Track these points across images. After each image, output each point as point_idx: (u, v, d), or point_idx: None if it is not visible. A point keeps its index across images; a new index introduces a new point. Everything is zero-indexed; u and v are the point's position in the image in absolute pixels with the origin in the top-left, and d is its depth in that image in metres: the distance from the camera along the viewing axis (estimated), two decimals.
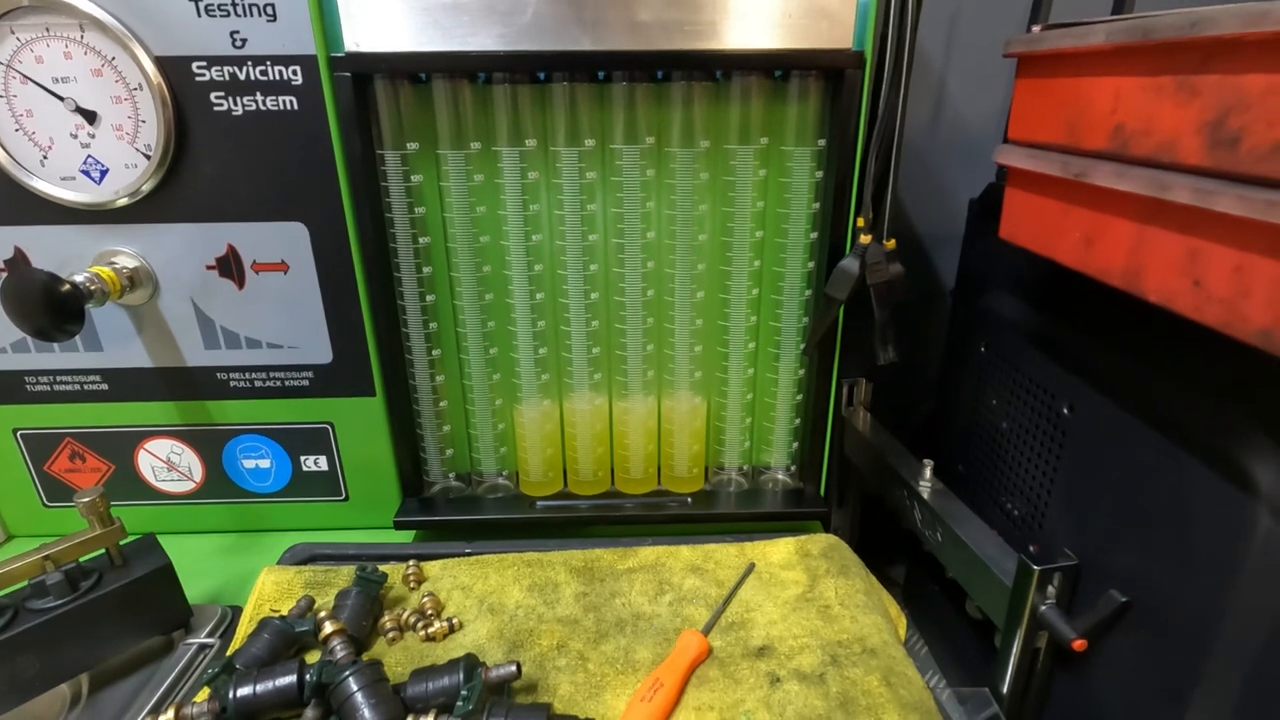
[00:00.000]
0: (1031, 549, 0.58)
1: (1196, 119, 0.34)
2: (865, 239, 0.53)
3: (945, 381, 0.78)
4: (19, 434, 0.62)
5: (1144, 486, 0.46)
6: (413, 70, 0.52)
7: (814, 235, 0.58)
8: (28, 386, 0.60)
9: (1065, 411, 0.54)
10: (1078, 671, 0.53)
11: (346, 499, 0.66)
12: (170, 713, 0.42)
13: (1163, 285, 0.37)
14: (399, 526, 0.64)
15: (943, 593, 0.75)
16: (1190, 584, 0.43)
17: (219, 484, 0.65)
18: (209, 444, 0.63)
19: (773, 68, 0.53)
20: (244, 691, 0.42)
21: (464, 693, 0.42)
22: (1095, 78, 0.41)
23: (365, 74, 0.52)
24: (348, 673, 0.42)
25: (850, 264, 0.53)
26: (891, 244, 0.54)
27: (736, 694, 0.45)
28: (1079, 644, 0.49)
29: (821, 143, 0.55)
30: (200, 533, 0.66)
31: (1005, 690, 0.55)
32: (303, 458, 0.64)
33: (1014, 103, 0.49)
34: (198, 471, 0.64)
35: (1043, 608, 0.52)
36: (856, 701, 0.44)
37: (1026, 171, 0.48)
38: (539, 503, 0.66)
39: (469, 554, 0.59)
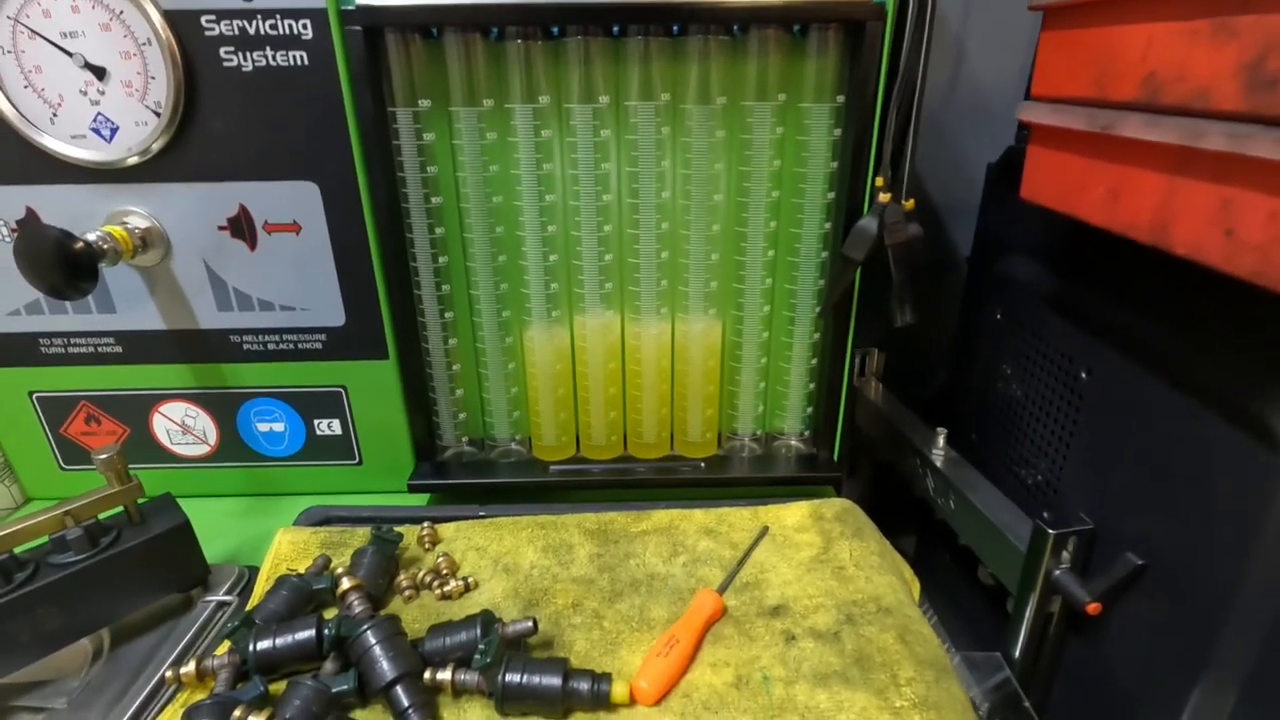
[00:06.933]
0: (1045, 515, 0.58)
1: (1234, 61, 0.33)
2: (884, 198, 0.52)
3: (959, 351, 0.77)
4: (34, 396, 0.62)
5: (1164, 449, 0.46)
6: (424, 23, 0.52)
7: (831, 195, 0.58)
8: (42, 349, 0.60)
9: (1083, 376, 0.54)
10: (1090, 637, 0.53)
11: (360, 463, 0.66)
12: (191, 665, 0.43)
13: (1192, 237, 0.36)
14: (413, 489, 0.64)
15: (954, 562, 0.75)
16: (1210, 547, 0.43)
17: (233, 447, 0.65)
18: (223, 407, 0.63)
19: (792, 21, 0.51)
20: (264, 645, 0.43)
21: (481, 646, 0.42)
22: (1126, 25, 0.40)
23: (376, 27, 0.51)
24: (366, 627, 0.42)
25: (868, 224, 0.53)
26: (910, 204, 0.53)
27: (752, 650, 0.46)
28: (1093, 607, 0.49)
29: (840, 99, 0.54)
30: (215, 496, 0.66)
31: (1017, 655, 0.56)
32: (316, 421, 0.64)
33: (1038, 57, 0.48)
34: (212, 435, 0.65)
35: (1057, 572, 0.52)
36: (872, 658, 0.45)
37: (1050, 127, 0.47)
38: (552, 467, 0.66)
39: (483, 516, 0.59)
